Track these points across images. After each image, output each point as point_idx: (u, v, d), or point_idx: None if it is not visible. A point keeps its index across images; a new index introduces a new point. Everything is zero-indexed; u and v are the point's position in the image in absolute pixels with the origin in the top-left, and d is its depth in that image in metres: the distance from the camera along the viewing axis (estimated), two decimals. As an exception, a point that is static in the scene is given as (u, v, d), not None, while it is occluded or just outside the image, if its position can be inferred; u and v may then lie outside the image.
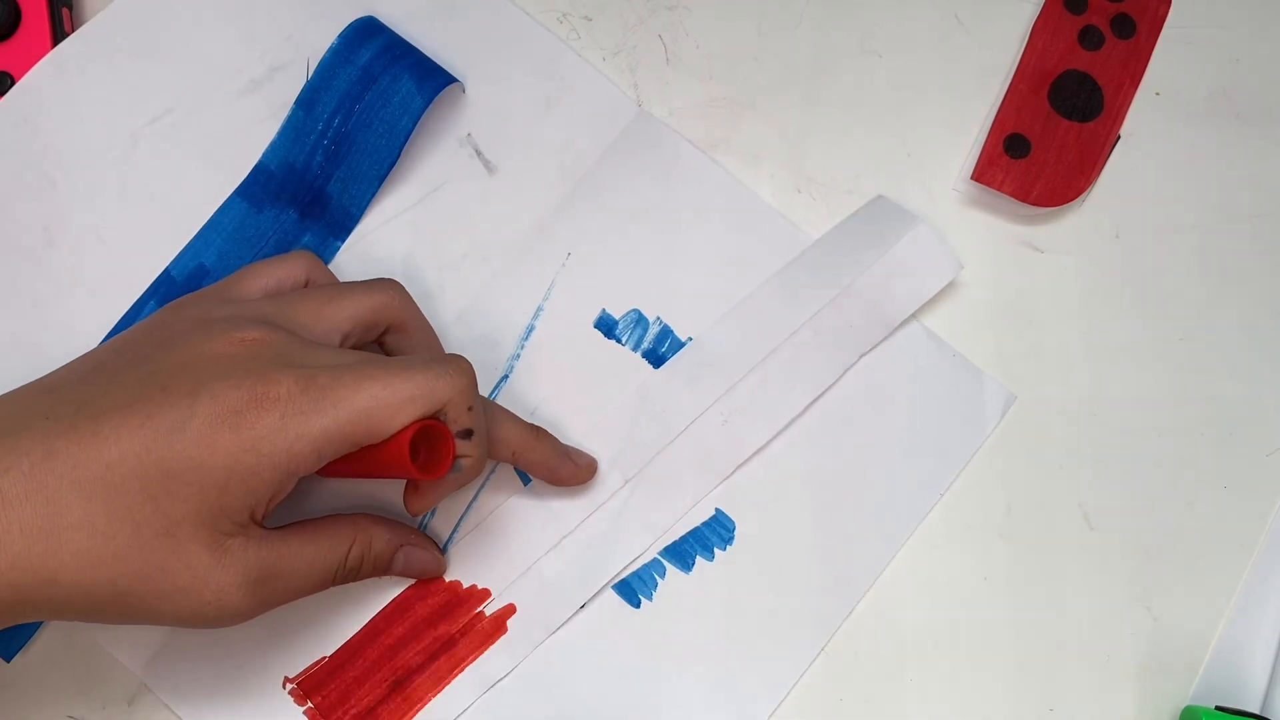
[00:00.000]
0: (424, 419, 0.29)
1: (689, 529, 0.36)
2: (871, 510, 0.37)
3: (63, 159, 0.38)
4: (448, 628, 0.35)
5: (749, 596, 0.36)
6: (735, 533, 0.37)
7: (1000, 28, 0.41)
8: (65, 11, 0.39)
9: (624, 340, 0.38)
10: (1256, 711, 0.36)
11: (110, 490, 0.27)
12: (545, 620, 0.36)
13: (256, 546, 0.29)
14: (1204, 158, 0.40)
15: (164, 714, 0.35)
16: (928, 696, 0.36)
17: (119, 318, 0.37)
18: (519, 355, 0.38)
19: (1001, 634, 0.36)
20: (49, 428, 0.27)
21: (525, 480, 0.36)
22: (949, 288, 0.38)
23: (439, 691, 0.35)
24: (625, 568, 0.36)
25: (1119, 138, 0.40)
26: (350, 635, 0.35)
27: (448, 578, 0.36)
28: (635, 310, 0.38)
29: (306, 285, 0.34)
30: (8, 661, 0.35)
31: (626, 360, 0.38)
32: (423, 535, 0.35)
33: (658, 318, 0.38)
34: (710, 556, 0.36)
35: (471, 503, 0.36)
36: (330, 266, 0.38)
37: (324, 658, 0.35)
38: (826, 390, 0.37)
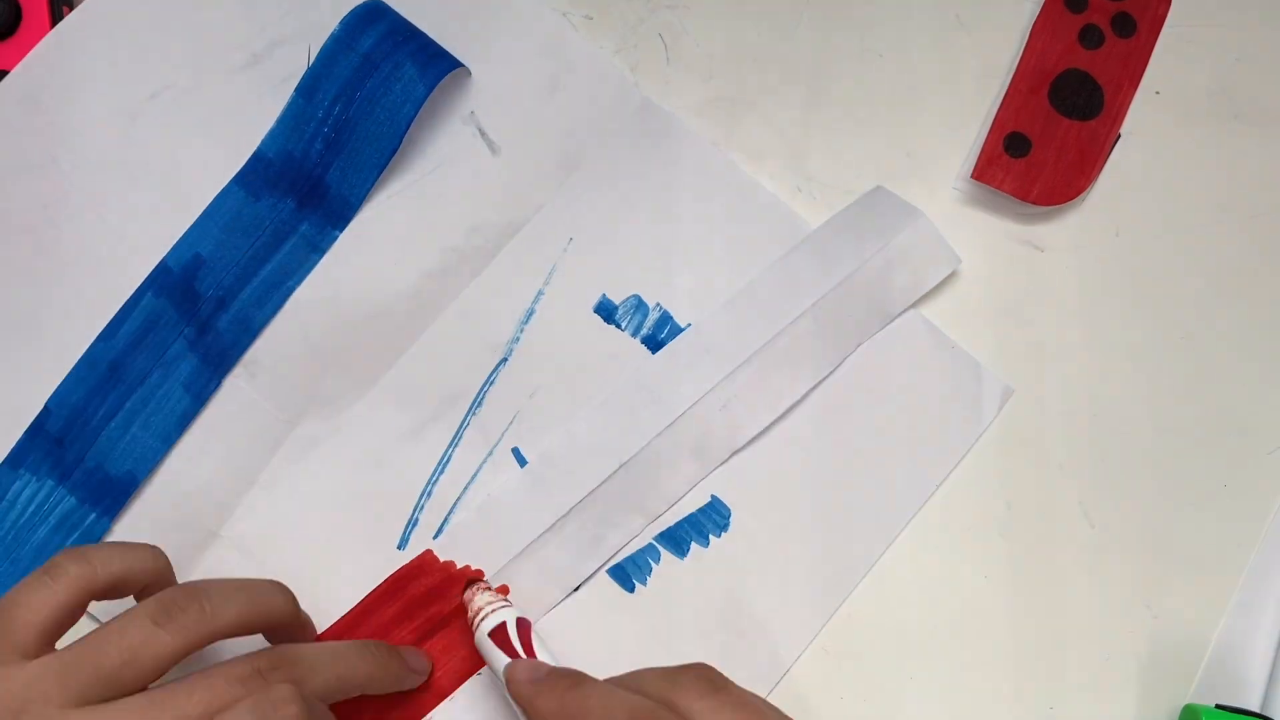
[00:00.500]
0: None
1: (684, 515, 0.37)
2: (868, 500, 0.37)
3: (64, 136, 0.38)
4: (440, 608, 0.35)
5: (743, 583, 0.36)
6: (731, 520, 0.37)
7: (1000, 27, 0.41)
8: (66, 10, 0.39)
9: (623, 326, 0.38)
10: (1256, 709, 0.36)
11: None
12: (539, 602, 0.36)
13: None
14: (1204, 157, 0.40)
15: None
16: (928, 695, 0.36)
17: (118, 306, 0.37)
18: (518, 339, 0.38)
19: (1001, 633, 0.36)
20: None
21: (522, 462, 0.37)
22: (949, 286, 0.38)
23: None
24: (619, 551, 0.36)
25: (1119, 137, 0.40)
26: (343, 614, 0.35)
27: (443, 558, 0.36)
28: (635, 296, 0.38)
29: (96, 599, 0.29)
30: None
31: (626, 346, 0.38)
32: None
33: (658, 304, 0.38)
34: (705, 543, 0.36)
35: (469, 484, 0.36)
36: (329, 254, 0.38)
37: (318, 635, 0.35)
38: (824, 379, 0.37)
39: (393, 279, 0.38)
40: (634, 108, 0.39)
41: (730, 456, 0.37)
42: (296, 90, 0.38)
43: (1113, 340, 0.38)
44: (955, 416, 0.38)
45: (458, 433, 0.37)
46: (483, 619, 0.33)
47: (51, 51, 0.38)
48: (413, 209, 0.38)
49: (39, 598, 0.28)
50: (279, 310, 0.37)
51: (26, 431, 0.36)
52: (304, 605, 0.35)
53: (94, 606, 0.30)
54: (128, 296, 0.37)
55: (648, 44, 0.40)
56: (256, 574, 0.35)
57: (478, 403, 0.37)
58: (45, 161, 0.38)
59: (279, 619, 0.31)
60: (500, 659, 0.32)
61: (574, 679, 0.29)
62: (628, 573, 0.36)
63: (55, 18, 0.39)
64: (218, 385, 0.37)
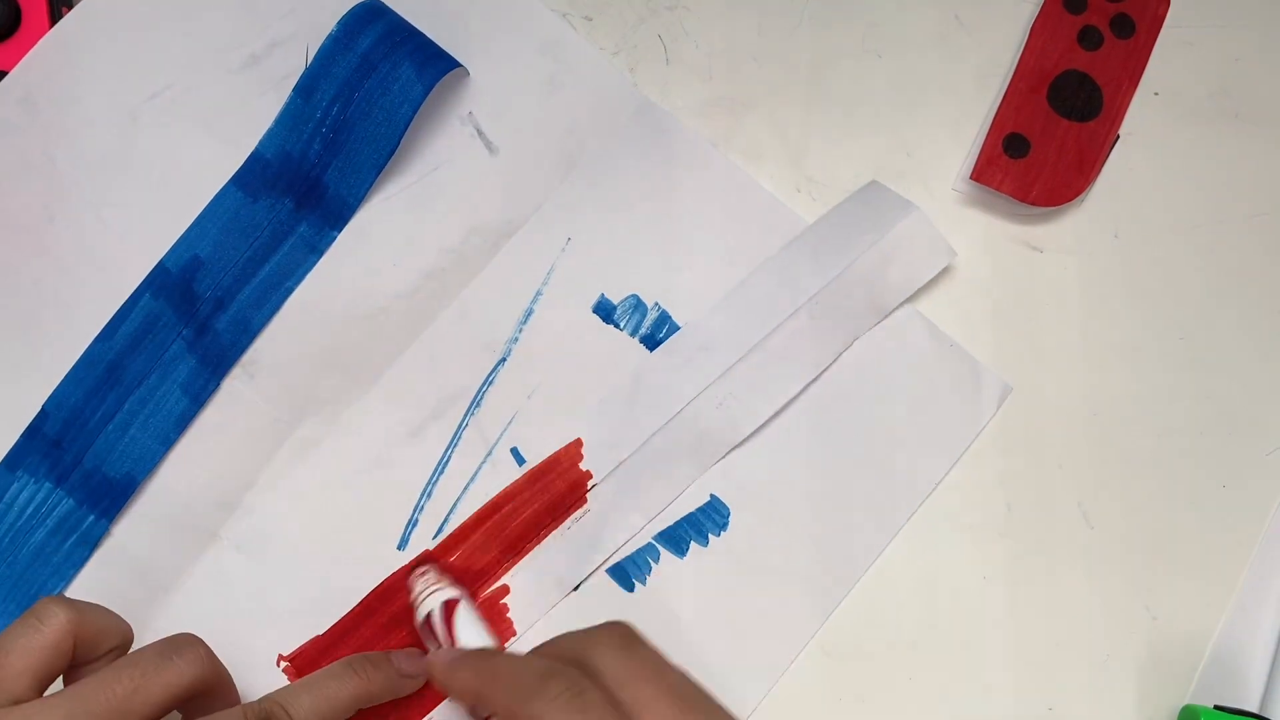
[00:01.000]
0: None
1: (683, 514, 0.37)
2: (867, 498, 0.37)
3: (62, 136, 0.38)
4: None
5: (742, 583, 0.36)
6: (730, 519, 0.37)
7: (1000, 28, 0.41)
8: (65, 10, 0.39)
9: (622, 325, 0.38)
10: (1255, 710, 0.36)
11: None
12: (538, 603, 0.36)
13: None
14: (1203, 157, 0.40)
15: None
16: (927, 696, 0.36)
17: (116, 307, 0.37)
18: (517, 338, 0.38)
19: (1001, 633, 0.36)
20: None
21: (520, 462, 0.36)
22: (948, 286, 0.38)
23: None
24: (618, 551, 0.36)
25: (1118, 137, 0.40)
26: (343, 614, 0.35)
27: (442, 558, 0.36)
28: (634, 295, 0.38)
29: (75, 650, 0.29)
30: None
31: (624, 345, 0.38)
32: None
33: (656, 303, 0.38)
34: (704, 542, 0.36)
35: (468, 485, 0.36)
36: (327, 255, 0.38)
37: (317, 636, 0.35)
38: (820, 374, 0.37)
39: (391, 279, 0.38)
40: (633, 108, 0.39)
41: (728, 453, 0.37)
42: (295, 90, 0.38)
43: (1112, 341, 0.38)
44: (954, 414, 0.37)
45: (457, 433, 0.37)
46: (418, 609, 0.34)
47: (51, 52, 0.39)
48: (411, 209, 0.38)
49: (27, 641, 0.28)
50: (277, 311, 0.37)
51: (24, 433, 0.36)
52: (305, 606, 0.35)
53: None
54: (126, 297, 0.37)
55: (647, 44, 0.40)
56: (258, 575, 0.36)
57: (476, 403, 0.37)
58: (44, 162, 0.38)
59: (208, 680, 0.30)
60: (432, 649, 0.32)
61: (486, 653, 0.30)
62: (627, 572, 0.36)
63: (54, 18, 0.39)
64: (216, 386, 0.37)
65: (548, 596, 0.36)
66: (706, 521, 0.37)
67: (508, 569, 0.36)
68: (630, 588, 0.36)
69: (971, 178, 0.39)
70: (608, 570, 0.36)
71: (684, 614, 0.36)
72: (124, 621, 0.31)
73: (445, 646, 0.33)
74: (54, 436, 0.36)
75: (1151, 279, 0.39)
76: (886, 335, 0.38)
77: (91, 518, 0.36)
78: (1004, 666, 0.36)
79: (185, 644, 0.30)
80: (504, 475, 0.37)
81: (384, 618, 0.35)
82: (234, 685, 0.32)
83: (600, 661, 0.27)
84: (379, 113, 0.37)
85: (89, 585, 0.36)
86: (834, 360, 0.37)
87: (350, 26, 0.37)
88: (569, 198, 0.39)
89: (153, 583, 0.36)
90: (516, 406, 0.37)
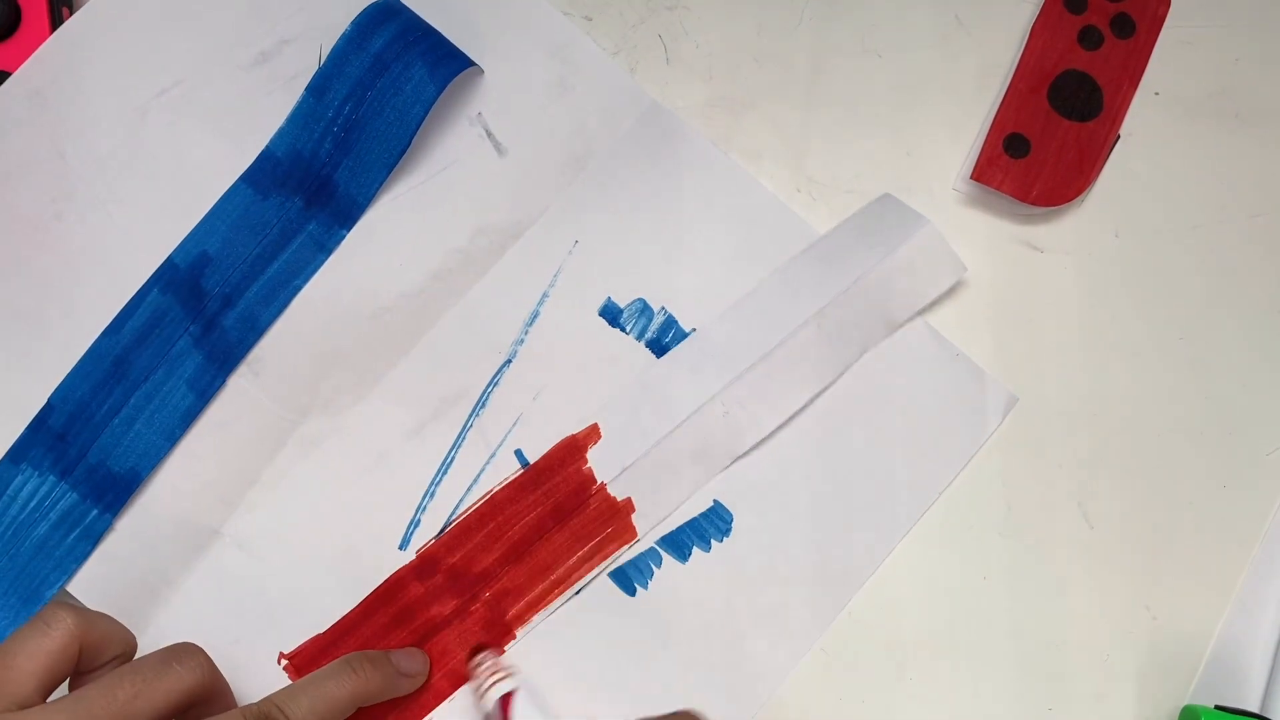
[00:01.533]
0: None
1: (686, 519, 0.37)
2: (869, 507, 0.37)
3: (71, 132, 0.38)
4: (440, 609, 0.35)
5: (744, 589, 0.36)
6: (733, 525, 0.37)
7: (1000, 28, 0.41)
8: (65, 11, 0.40)
9: (628, 329, 0.38)
10: (1255, 710, 0.36)
11: None
12: (540, 604, 0.36)
13: None
14: (1203, 157, 0.40)
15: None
16: (927, 696, 0.36)
17: (123, 303, 0.37)
18: (523, 340, 0.38)
19: (1001, 633, 0.36)
20: None
21: (524, 464, 0.37)
22: (948, 288, 0.38)
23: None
24: (621, 554, 0.36)
25: (1118, 137, 0.40)
26: (345, 613, 0.35)
27: (445, 559, 0.36)
28: (640, 299, 0.38)
29: (80, 656, 0.30)
30: None
31: (630, 349, 0.38)
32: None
33: (662, 308, 0.38)
34: (707, 548, 0.36)
35: (471, 485, 0.37)
36: (336, 253, 0.38)
37: (317, 634, 0.35)
38: (827, 387, 0.37)
39: (398, 279, 0.38)
40: (642, 111, 0.39)
41: (732, 463, 0.37)
42: (307, 89, 0.38)
43: (1112, 340, 0.38)
44: (959, 424, 0.37)
45: (461, 433, 0.37)
46: (483, 698, 0.34)
47: (60, 47, 0.39)
48: (419, 209, 0.38)
49: (35, 644, 0.29)
50: (285, 309, 0.38)
51: (29, 426, 0.36)
52: (306, 606, 0.35)
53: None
54: (134, 292, 0.37)
55: (647, 44, 0.40)
56: (259, 573, 0.36)
57: (481, 404, 0.37)
58: (52, 156, 0.38)
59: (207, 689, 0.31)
60: None
61: None
62: (629, 576, 0.36)
63: (55, 18, 0.39)
64: (222, 383, 0.37)
65: (549, 598, 0.36)
66: (709, 527, 0.37)
67: (509, 572, 0.36)
68: (632, 591, 0.36)
69: (972, 178, 0.39)
70: (610, 574, 0.36)
71: (685, 619, 0.36)
72: (128, 631, 0.31)
73: None
74: (59, 430, 0.36)
75: (1151, 279, 0.39)
76: (893, 345, 0.38)
77: (95, 512, 0.36)
78: (1004, 666, 0.36)
79: (186, 652, 0.30)
80: (507, 478, 0.37)
81: (385, 618, 0.35)
82: (232, 693, 0.32)
83: None
84: (391, 112, 0.37)
85: (91, 580, 0.36)
86: (841, 373, 0.37)
87: (364, 26, 0.38)
88: (577, 200, 0.39)
89: (154, 579, 0.36)
90: (521, 408, 0.37)
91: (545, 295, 0.38)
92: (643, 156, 0.39)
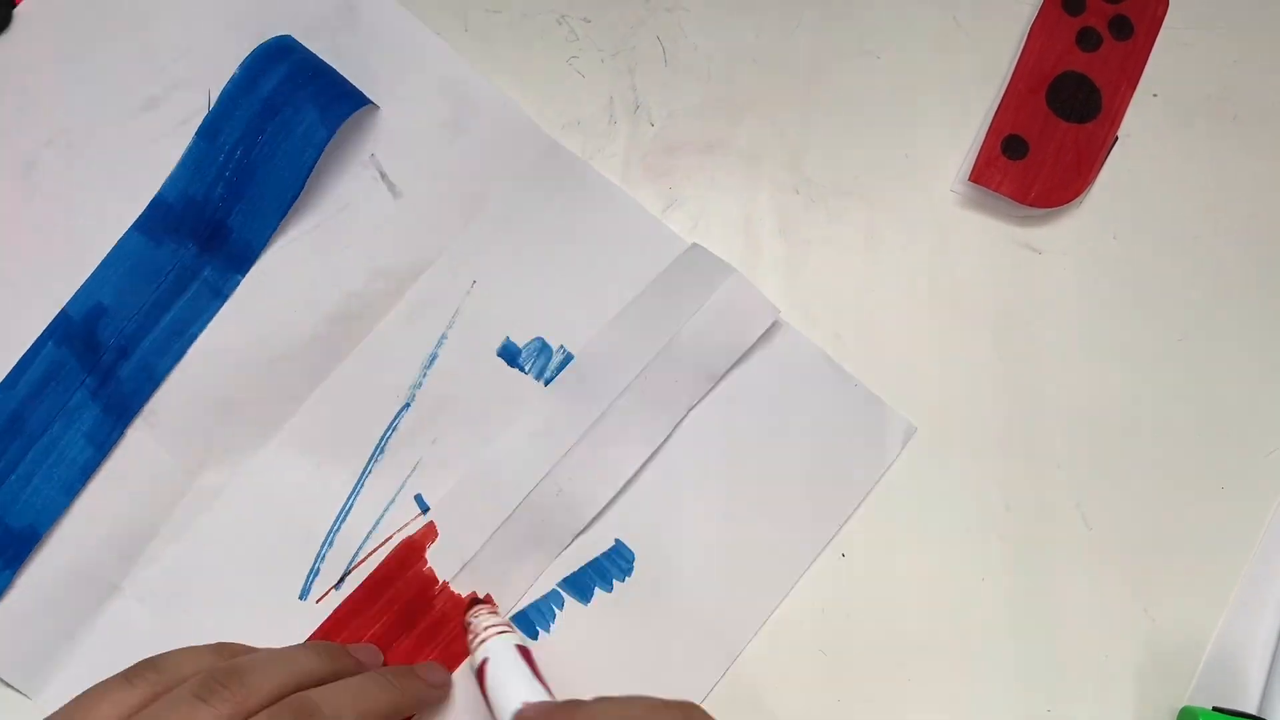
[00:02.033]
0: None
1: (588, 560, 0.36)
2: (772, 539, 0.37)
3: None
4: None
5: (647, 628, 0.36)
6: (634, 564, 0.36)
7: (998, 29, 0.41)
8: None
9: (527, 369, 0.37)
10: (1253, 712, 0.36)
11: None
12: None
13: None
14: (1202, 159, 0.40)
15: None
16: (926, 697, 0.36)
17: (18, 357, 0.36)
18: (421, 384, 0.37)
19: (999, 634, 0.36)
20: None
21: (424, 508, 0.36)
22: (946, 287, 0.38)
23: None
24: (522, 598, 0.36)
25: (1117, 139, 0.40)
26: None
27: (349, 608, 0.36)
28: (539, 339, 0.38)
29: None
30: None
31: (528, 389, 0.37)
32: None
33: (561, 346, 0.38)
34: (609, 588, 0.36)
35: (370, 532, 0.36)
36: (231, 299, 0.37)
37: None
38: (655, 452, 0.37)
39: (295, 324, 0.37)
40: (539, 150, 0.39)
41: (572, 541, 0.36)
42: (198, 133, 0.37)
43: (1110, 342, 0.38)
44: (858, 455, 0.37)
45: (359, 481, 0.37)
46: (480, 643, 0.33)
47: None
48: (315, 253, 0.38)
49: (120, 695, 0.29)
50: (181, 358, 0.37)
51: (-75, 485, 0.35)
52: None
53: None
54: (28, 346, 0.36)
55: (646, 46, 0.40)
56: (160, 627, 0.36)
57: (380, 449, 0.37)
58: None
59: (318, 681, 0.31)
60: (505, 696, 0.32)
61: (570, 706, 0.30)
62: (531, 620, 0.36)
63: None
64: (120, 435, 0.36)
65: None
66: (611, 567, 0.36)
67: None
68: (534, 635, 0.36)
69: (970, 179, 0.39)
70: (512, 618, 0.36)
71: (590, 661, 0.36)
72: (221, 652, 0.32)
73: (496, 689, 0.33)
74: (-44, 489, 0.35)
75: (1151, 279, 0.39)
76: (790, 376, 0.38)
77: (-5, 569, 0.35)
78: (1003, 667, 0.36)
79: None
80: (407, 523, 0.36)
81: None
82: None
83: None
84: (282, 155, 0.37)
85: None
86: (668, 436, 0.37)
87: (253, 68, 0.37)
88: (474, 240, 0.38)
89: (55, 635, 0.35)
90: (420, 453, 0.37)
91: (444, 337, 0.38)
92: (541, 196, 0.39)
